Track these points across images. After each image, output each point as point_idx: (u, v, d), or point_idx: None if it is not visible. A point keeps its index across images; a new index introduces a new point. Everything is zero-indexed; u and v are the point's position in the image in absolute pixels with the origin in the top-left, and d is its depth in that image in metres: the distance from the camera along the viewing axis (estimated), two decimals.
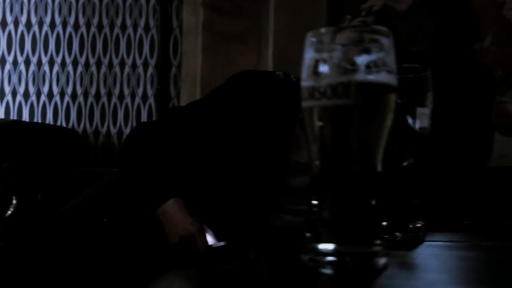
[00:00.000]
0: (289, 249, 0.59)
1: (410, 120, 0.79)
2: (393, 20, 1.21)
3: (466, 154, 1.46)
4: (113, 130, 2.76)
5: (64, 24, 2.79)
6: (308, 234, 0.56)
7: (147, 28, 2.75)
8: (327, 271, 0.53)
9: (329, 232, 0.54)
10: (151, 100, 2.74)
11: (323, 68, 0.54)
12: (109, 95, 2.77)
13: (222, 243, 1.20)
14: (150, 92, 2.74)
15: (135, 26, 2.76)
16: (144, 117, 2.75)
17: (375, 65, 0.53)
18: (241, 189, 1.41)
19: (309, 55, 0.56)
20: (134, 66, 2.76)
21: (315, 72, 0.55)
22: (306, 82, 0.56)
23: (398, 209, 0.77)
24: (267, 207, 1.39)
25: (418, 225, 0.77)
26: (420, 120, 0.79)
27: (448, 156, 1.35)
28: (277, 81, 1.42)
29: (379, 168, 0.55)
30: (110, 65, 2.77)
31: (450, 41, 2.17)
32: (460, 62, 2.00)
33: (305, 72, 0.56)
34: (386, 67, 0.54)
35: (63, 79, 2.78)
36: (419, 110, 0.79)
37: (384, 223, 0.76)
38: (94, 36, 2.78)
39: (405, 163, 0.79)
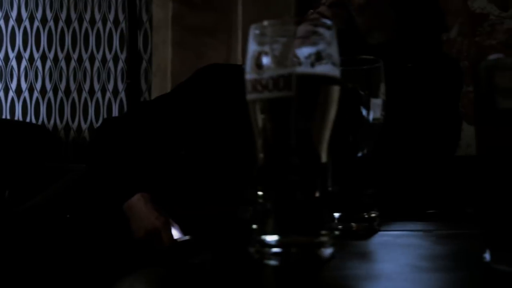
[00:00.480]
0: (240, 241, 0.59)
1: (364, 111, 0.79)
2: (351, 12, 1.21)
3: (434, 144, 1.47)
4: (84, 126, 2.73)
5: (32, 19, 2.75)
6: (254, 226, 0.56)
7: (116, 22, 2.73)
8: (272, 262, 0.54)
9: (273, 223, 0.54)
10: (122, 94, 2.72)
11: (265, 61, 0.54)
12: (79, 90, 2.74)
13: (187, 237, 1.20)
14: (121, 86, 2.72)
15: (104, 20, 2.73)
16: (115, 112, 2.73)
17: (316, 57, 0.54)
18: (209, 183, 1.41)
19: (252, 48, 0.56)
20: (104, 60, 2.73)
21: (258, 65, 0.55)
22: (249, 75, 0.56)
23: (352, 200, 0.78)
24: (235, 200, 1.39)
25: (373, 215, 0.78)
26: (374, 111, 0.79)
27: (415, 146, 1.37)
28: (244, 74, 1.42)
29: (324, 159, 0.56)
30: (80, 60, 2.74)
31: (416, 32, 2.18)
32: (427, 53, 2.02)
33: (248, 65, 0.56)
34: (328, 59, 0.54)
35: (31, 75, 2.75)
36: (373, 101, 0.80)
37: (337, 214, 0.77)
38: (62, 30, 2.75)
39: (359, 154, 0.79)
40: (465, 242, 0.70)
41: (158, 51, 2.63)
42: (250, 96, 0.56)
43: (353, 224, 0.76)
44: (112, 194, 1.33)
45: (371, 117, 0.79)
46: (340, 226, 0.75)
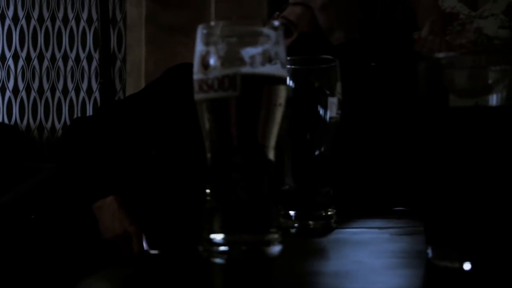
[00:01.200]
0: (190, 240, 0.59)
1: (321, 110, 0.80)
2: (315, 12, 1.22)
3: (403, 141, 1.49)
4: (58, 125, 2.71)
5: (3, 17, 2.72)
6: (203, 224, 0.56)
7: (90, 21, 2.71)
8: (218, 261, 0.54)
9: (219, 222, 0.55)
10: (97, 94, 2.70)
11: (211, 61, 0.55)
12: (53, 89, 2.72)
13: (156, 252, 1.20)
14: (95, 86, 2.70)
15: (77, 19, 2.71)
16: (89, 112, 2.71)
17: (261, 57, 0.54)
18: (179, 182, 1.41)
19: (199, 48, 0.57)
20: (77, 60, 2.71)
21: (204, 65, 0.55)
22: (196, 75, 0.57)
23: (309, 197, 0.78)
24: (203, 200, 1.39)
25: (330, 212, 0.79)
26: (330, 109, 0.80)
27: (384, 143, 1.38)
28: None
29: (272, 157, 0.56)
30: (53, 59, 2.72)
31: (386, 31, 2.21)
32: (397, 52, 2.04)
33: (195, 65, 0.57)
34: (274, 59, 0.55)
35: (3, 74, 2.72)
36: (330, 100, 0.81)
37: (293, 212, 0.78)
38: (35, 29, 2.72)
39: (316, 153, 0.80)
40: (418, 238, 0.71)
41: (132, 50, 2.61)
42: (197, 96, 0.56)
43: (310, 222, 0.77)
44: (82, 194, 1.32)
45: (328, 116, 0.80)
46: (296, 224, 0.76)
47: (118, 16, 2.69)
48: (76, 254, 1.22)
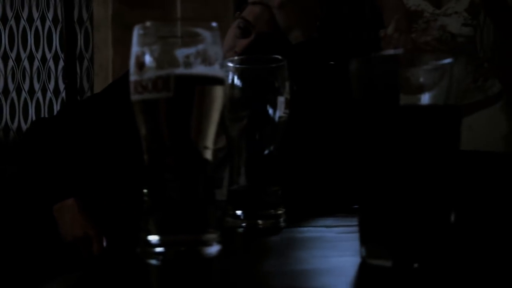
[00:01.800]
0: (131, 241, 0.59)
1: (270, 110, 0.80)
2: (273, 10, 1.22)
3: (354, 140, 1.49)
4: (24, 126, 2.67)
5: None
6: (141, 225, 0.56)
7: (56, 20, 2.68)
8: (154, 262, 0.54)
9: (154, 222, 0.55)
10: (64, 94, 2.67)
11: (146, 62, 0.55)
12: (19, 90, 2.68)
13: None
14: (62, 86, 2.67)
15: (43, 19, 2.68)
16: (56, 112, 2.68)
17: (196, 58, 0.54)
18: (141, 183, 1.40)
19: (134, 49, 0.57)
20: (44, 60, 2.68)
21: (139, 66, 0.55)
22: (131, 76, 0.56)
23: (259, 196, 0.79)
24: None
25: (279, 212, 0.79)
26: (279, 108, 0.80)
27: (339, 142, 1.38)
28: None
29: (209, 157, 0.56)
30: (18, 59, 2.68)
31: (351, 29, 2.22)
32: (362, 50, 2.05)
33: (131, 66, 0.57)
34: (209, 59, 0.55)
35: None
36: (279, 99, 0.81)
37: (240, 211, 0.78)
38: None
39: (266, 152, 0.80)
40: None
41: (99, 50, 2.59)
42: (132, 98, 0.56)
43: (258, 221, 0.77)
44: (41, 196, 1.31)
45: (277, 115, 0.80)
46: (244, 224, 0.76)
47: (85, 16, 2.67)
48: (35, 257, 1.21)
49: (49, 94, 2.68)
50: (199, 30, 0.56)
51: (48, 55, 2.67)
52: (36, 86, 2.67)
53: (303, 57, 1.21)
